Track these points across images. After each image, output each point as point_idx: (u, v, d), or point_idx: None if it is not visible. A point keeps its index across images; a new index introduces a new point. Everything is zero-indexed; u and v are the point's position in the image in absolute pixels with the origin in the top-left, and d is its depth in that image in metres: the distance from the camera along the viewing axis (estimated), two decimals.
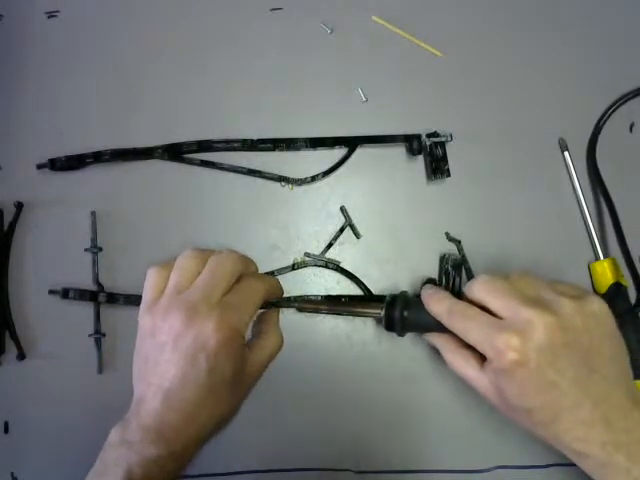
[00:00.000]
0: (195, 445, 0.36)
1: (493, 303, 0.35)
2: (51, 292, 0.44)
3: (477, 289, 0.36)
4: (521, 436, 0.44)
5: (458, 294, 0.42)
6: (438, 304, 0.37)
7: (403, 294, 0.41)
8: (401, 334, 0.40)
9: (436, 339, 0.39)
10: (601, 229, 0.47)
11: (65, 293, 0.44)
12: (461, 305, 0.36)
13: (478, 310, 0.35)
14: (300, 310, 0.44)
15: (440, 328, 0.37)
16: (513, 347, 0.32)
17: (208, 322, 0.35)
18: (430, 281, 0.45)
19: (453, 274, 0.44)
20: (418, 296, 0.39)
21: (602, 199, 0.46)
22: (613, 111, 0.47)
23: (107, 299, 0.44)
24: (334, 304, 0.44)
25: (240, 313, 0.37)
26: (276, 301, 0.43)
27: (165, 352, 0.36)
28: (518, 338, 0.32)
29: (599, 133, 0.47)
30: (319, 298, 0.45)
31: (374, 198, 0.47)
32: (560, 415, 0.33)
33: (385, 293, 0.45)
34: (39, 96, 0.48)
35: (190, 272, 0.38)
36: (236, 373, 0.37)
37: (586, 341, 0.33)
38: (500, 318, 0.34)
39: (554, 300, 0.34)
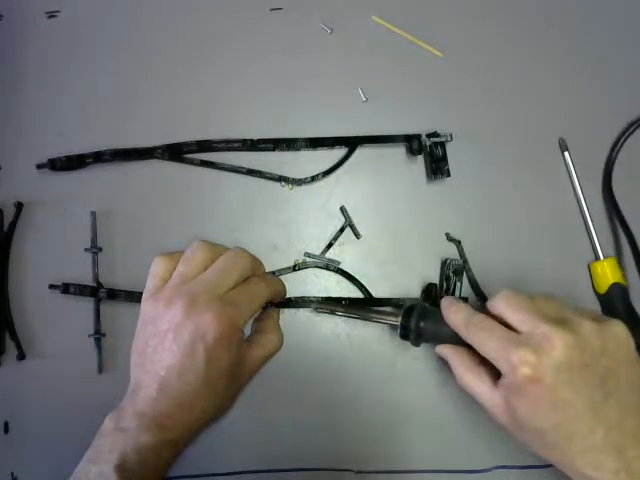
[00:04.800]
0: (190, 434, 0.36)
1: (513, 317, 0.34)
2: (52, 287, 0.44)
3: (498, 303, 0.35)
4: None
5: (460, 298, 0.42)
6: (456, 314, 0.37)
7: (421, 304, 0.40)
8: (416, 344, 0.40)
9: (449, 352, 0.38)
10: (613, 228, 0.47)
11: (66, 288, 0.43)
12: (479, 316, 0.36)
13: (496, 323, 0.35)
14: (316, 310, 0.44)
15: (456, 341, 0.37)
16: (528, 362, 0.32)
17: (207, 314, 0.35)
18: (431, 286, 0.45)
19: (454, 279, 0.44)
20: (436, 306, 0.39)
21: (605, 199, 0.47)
22: (627, 138, 0.47)
23: (107, 295, 0.44)
24: (350, 307, 0.44)
25: (240, 310, 0.37)
26: (291, 300, 0.44)
27: (165, 341, 0.36)
28: (534, 354, 0.32)
29: (616, 157, 0.46)
30: (319, 299, 0.45)
31: (374, 198, 0.47)
32: (572, 438, 0.32)
33: (387, 294, 0.45)
34: (39, 96, 0.48)
35: (197, 264, 0.38)
36: (233, 366, 0.37)
37: (604, 364, 0.32)
38: (519, 333, 0.34)
39: (575, 320, 0.33)
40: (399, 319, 0.40)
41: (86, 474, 0.34)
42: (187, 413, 0.36)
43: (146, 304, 0.38)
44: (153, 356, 0.36)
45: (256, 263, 0.41)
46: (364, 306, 0.44)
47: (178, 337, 0.35)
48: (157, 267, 0.39)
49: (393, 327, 0.41)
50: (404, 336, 0.40)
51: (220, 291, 0.37)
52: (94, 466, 0.34)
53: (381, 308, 0.44)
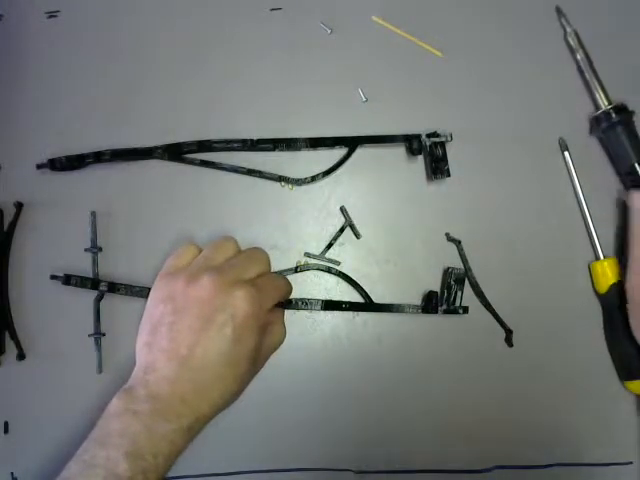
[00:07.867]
0: (204, 420, 0.35)
1: None
2: (53, 277, 0.44)
3: None
4: (521, 436, 0.44)
5: (460, 307, 0.44)
6: None
7: None
8: None
9: None
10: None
11: (67, 279, 0.43)
12: None
13: None
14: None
15: None
16: None
17: (239, 292, 0.35)
18: (431, 294, 0.45)
19: (455, 288, 0.44)
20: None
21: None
22: None
23: (108, 288, 0.44)
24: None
25: (266, 295, 0.38)
26: (291, 302, 0.44)
27: (186, 317, 0.35)
28: None
29: None
30: (320, 301, 0.45)
31: (374, 198, 0.47)
32: None
33: (387, 293, 0.45)
34: (39, 96, 0.48)
35: (224, 251, 0.39)
36: (255, 350, 0.36)
37: None
38: None
39: None
40: None
41: (92, 457, 0.32)
42: (205, 396, 0.34)
43: (162, 281, 0.37)
44: (170, 334, 0.35)
45: (270, 264, 0.41)
46: None
47: (203, 314, 0.34)
48: (184, 250, 0.40)
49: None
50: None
51: (246, 276, 0.37)
52: (102, 449, 0.32)
53: None
